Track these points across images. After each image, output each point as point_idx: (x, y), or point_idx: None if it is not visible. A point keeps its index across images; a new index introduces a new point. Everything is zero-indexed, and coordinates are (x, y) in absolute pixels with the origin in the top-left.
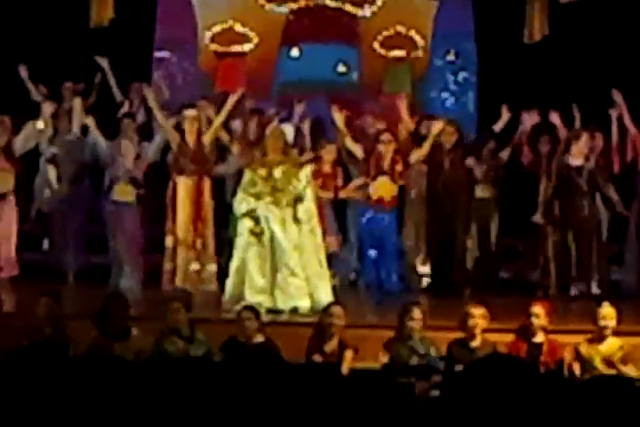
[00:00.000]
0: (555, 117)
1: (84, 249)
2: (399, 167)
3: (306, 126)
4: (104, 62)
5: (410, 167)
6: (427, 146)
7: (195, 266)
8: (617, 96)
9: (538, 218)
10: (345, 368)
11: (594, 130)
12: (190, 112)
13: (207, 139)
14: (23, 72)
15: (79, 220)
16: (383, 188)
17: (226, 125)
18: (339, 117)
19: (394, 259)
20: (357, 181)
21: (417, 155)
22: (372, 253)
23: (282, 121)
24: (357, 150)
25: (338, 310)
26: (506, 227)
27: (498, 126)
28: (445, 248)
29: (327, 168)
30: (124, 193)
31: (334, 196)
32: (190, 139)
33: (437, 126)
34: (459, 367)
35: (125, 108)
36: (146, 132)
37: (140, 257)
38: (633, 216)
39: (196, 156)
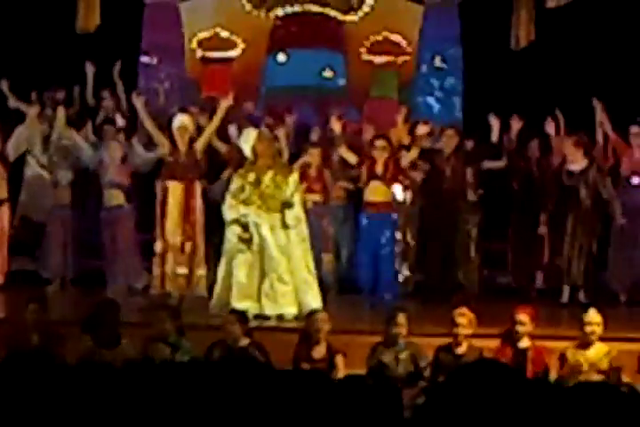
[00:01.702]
0: (550, 128)
1: (80, 255)
2: (392, 172)
3: (288, 124)
4: (90, 70)
5: (403, 173)
6: (415, 149)
7: (183, 270)
8: (597, 104)
9: (542, 230)
10: (340, 373)
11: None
12: (182, 118)
13: (199, 146)
14: (4, 85)
15: (78, 226)
16: (377, 192)
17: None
18: (337, 127)
19: (388, 263)
20: (343, 184)
21: (407, 159)
22: (366, 257)
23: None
24: (351, 157)
25: (322, 316)
26: (492, 232)
27: (494, 136)
28: (442, 253)
29: (312, 172)
30: (115, 197)
31: (323, 199)
32: (182, 145)
33: (422, 130)
34: (444, 374)
35: (100, 116)
36: (127, 136)
37: (138, 259)
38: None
39: (187, 162)
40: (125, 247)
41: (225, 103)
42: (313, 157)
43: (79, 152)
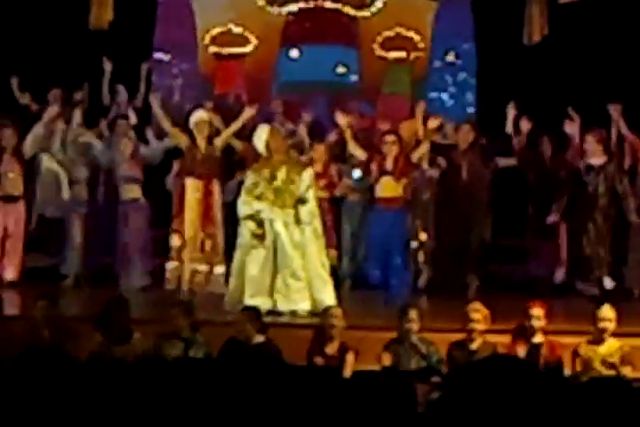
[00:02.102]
0: (569, 127)
1: (94, 252)
2: (403, 167)
3: (304, 121)
4: (108, 66)
5: (417, 168)
6: (425, 144)
7: (203, 267)
8: (613, 110)
9: (552, 218)
10: (348, 371)
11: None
12: (201, 114)
13: (219, 144)
14: (14, 83)
15: (92, 223)
16: (387, 187)
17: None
18: (344, 123)
19: (401, 259)
20: (347, 181)
21: (418, 153)
22: (378, 253)
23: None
24: (361, 154)
25: (337, 312)
26: (506, 227)
27: (509, 127)
28: (459, 249)
29: (318, 168)
30: (130, 191)
31: (329, 195)
32: (201, 141)
33: (433, 124)
34: (457, 370)
35: (113, 112)
36: (140, 133)
37: (147, 255)
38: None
39: (205, 158)
40: (135, 242)
41: (248, 113)
42: (318, 152)
43: (95, 150)
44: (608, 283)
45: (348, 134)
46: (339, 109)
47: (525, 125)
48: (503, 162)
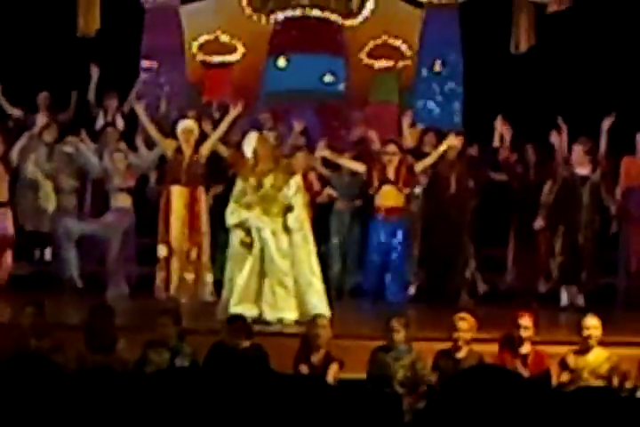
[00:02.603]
0: (555, 138)
1: (83, 260)
2: (406, 177)
3: (296, 132)
4: (95, 72)
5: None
6: (434, 156)
7: (190, 276)
8: (605, 122)
9: (539, 223)
10: (330, 381)
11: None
12: (187, 122)
13: (205, 150)
14: None
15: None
16: (389, 196)
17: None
18: (328, 154)
19: (398, 268)
20: (330, 190)
21: (422, 165)
22: (376, 261)
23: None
24: (358, 167)
25: (323, 321)
26: (489, 237)
27: (496, 140)
28: (446, 258)
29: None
30: (122, 200)
31: (310, 201)
32: (187, 150)
33: (453, 141)
34: (443, 379)
35: (101, 120)
36: (128, 139)
37: (131, 263)
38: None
39: (191, 167)
40: (124, 250)
41: (235, 111)
42: (297, 160)
43: (83, 159)
44: (581, 300)
45: (337, 158)
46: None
47: (507, 133)
48: (495, 177)
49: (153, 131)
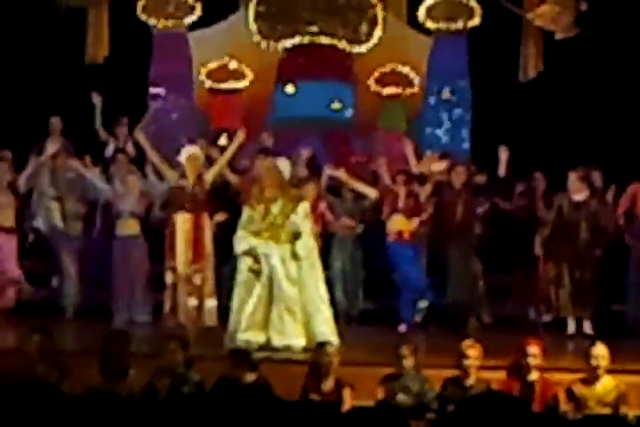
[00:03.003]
0: (502, 153)
1: (89, 286)
2: (414, 207)
3: (303, 158)
4: (98, 100)
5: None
6: (430, 184)
7: (193, 302)
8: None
9: (537, 250)
10: (346, 406)
11: (592, 168)
12: (192, 149)
13: (209, 178)
14: None
15: (83, 256)
16: (400, 224)
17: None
18: (343, 175)
19: (408, 292)
20: (347, 220)
21: (424, 193)
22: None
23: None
24: (371, 192)
25: (331, 349)
26: (496, 264)
27: (501, 169)
28: (454, 284)
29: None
30: (129, 227)
31: (320, 230)
32: (191, 176)
33: (438, 166)
34: (451, 406)
35: (111, 146)
36: (139, 166)
37: (149, 290)
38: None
39: (195, 193)
40: (136, 279)
41: (239, 138)
42: (307, 190)
43: (87, 184)
44: (588, 328)
45: (350, 181)
46: (332, 166)
47: (504, 154)
48: (501, 205)
49: (157, 160)
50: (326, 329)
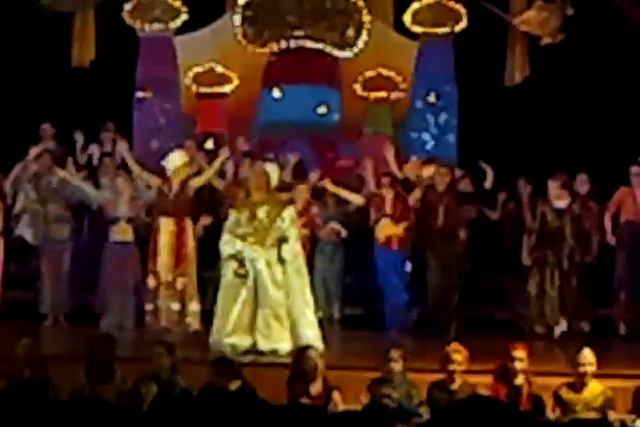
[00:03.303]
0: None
1: (76, 290)
2: (402, 211)
3: (290, 163)
4: (80, 138)
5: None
6: (420, 189)
7: (175, 306)
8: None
9: (525, 259)
10: (340, 408)
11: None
12: (178, 156)
13: (195, 185)
14: None
15: (69, 261)
16: (388, 229)
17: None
18: (330, 186)
19: (393, 297)
20: (335, 225)
21: (413, 198)
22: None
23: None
24: (357, 199)
25: (314, 353)
26: (486, 268)
27: (488, 183)
28: (438, 290)
29: (299, 207)
30: (123, 233)
31: (309, 233)
32: (175, 181)
33: (428, 171)
34: (437, 410)
35: (96, 153)
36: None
37: (135, 296)
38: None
39: (178, 198)
40: (127, 284)
41: (223, 156)
42: (299, 191)
43: (74, 190)
44: (562, 327)
45: (337, 190)
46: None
47: (490, 170)
48: (489, 214)
49: (137, 169)
50: (311, 333)
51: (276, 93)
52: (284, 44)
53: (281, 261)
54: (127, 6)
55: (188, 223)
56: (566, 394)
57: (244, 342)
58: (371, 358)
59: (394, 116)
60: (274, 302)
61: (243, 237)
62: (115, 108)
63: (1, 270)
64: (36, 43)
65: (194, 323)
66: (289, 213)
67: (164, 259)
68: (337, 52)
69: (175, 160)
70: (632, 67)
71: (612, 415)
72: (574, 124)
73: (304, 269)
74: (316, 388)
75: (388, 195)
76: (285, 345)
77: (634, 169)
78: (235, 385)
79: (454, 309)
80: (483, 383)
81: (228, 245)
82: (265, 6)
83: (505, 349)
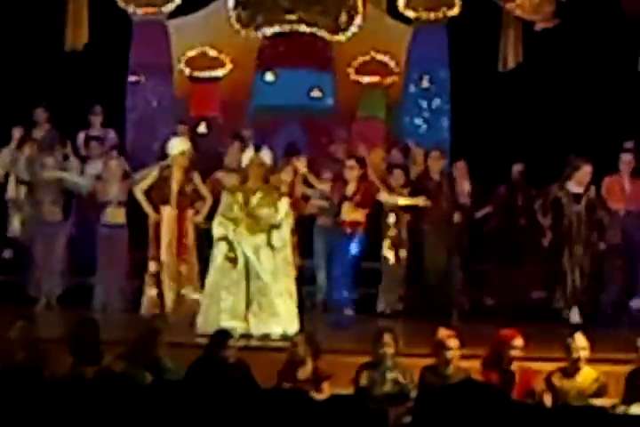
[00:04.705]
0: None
1: (68, 272)
2: (364, 195)
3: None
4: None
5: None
6: (403, 202)
7: (188, 291)
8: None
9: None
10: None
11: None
12: (181, 144)
13: (197, 182)
14: None
15: (63, 243)
16: (347, 213)
17: None
18: (300, 166)
19: (343, 280)
20: (317, 201)
21: (385, 198)
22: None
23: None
24: (324, 186)
25: (297, 338)
26: (479, 253)
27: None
28: (434, 273)
29: (284, 188)
30: (116, 216)
31: (295, 214)
32: (177, 172)
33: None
34: (430, 394)
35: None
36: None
37: (125, 279)
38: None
39: (181, 190)
40: (118, 266)
41: (208, 202)
42: (286, 173)
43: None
44: (575, 316)
45: (307, 176)
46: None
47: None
48: (480, 214)
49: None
50: (288, 322)
51: (270, 77)
52: (277, 28)
53: (270, 246)
54: None
55: (189, 212)
56: (559, 380)
57: (239, 328)
58: (361, 342)
59: (387, 101)
60: (265, 286)
61: (234, 222)
62: (108, 92)
63: None
64: (29, 26)
65: (196, 309)
66: (284, 203)
67: (166, 246)
68: (330, 37)
69: (178, 145)
70: (626, 51)
71: (595, 402)
72: (568, 109)
73: (291, 260)
74: (304, 372)
75: (352, 177)
76: (277, 329)
77: (625, 157)
78: (232, 354)
79: (455, 292)
80: (473, 368)
81: (219, 227)
82: None
83: (495, 334)
